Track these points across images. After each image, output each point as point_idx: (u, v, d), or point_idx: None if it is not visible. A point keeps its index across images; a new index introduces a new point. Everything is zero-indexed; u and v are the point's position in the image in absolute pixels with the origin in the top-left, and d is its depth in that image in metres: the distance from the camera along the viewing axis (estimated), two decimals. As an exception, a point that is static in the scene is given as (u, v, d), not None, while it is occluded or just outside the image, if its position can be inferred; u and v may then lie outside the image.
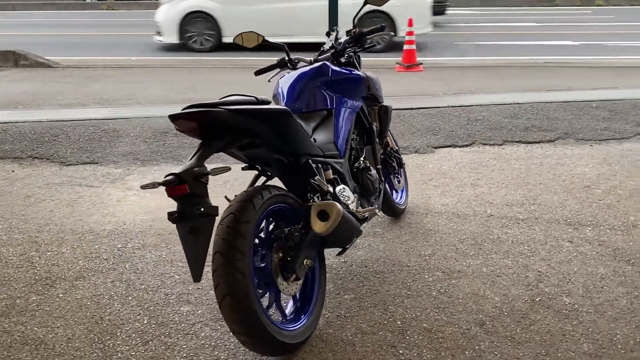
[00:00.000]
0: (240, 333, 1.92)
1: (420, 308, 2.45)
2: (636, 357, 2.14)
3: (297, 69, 2.84)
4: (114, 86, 7.04)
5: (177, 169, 1.80)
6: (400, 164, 3.33)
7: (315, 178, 2.17)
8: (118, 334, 2.30)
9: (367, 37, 2.79)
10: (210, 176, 1.86)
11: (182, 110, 1.90)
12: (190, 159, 1.87)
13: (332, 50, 2.83)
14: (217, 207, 1.82)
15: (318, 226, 2.06)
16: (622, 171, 4.08)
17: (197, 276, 1.82)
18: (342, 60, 2.86)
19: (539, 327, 2.31)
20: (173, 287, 2.64)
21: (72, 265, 2.84)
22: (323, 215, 2.06)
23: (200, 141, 1.96)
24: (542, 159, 4.37)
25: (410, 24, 8.13)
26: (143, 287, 2.64)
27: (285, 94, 2.57)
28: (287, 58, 2.84)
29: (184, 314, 2.43)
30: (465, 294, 2.55)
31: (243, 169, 2.33)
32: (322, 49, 2.96)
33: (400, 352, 2.17)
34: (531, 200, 3.59)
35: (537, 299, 2.51)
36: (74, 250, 2.99)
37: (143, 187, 1.89)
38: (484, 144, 4.76)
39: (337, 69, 2.65)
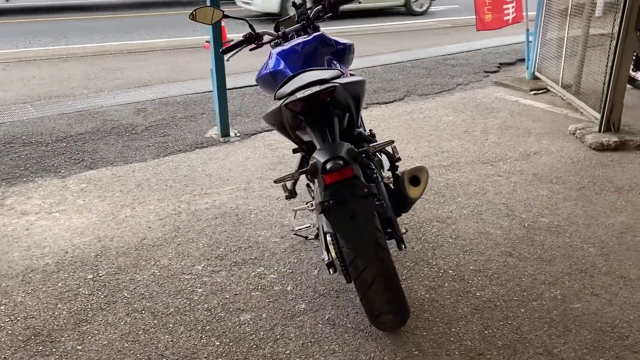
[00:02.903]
0: (389, 312, 1.84)
1: (453, 255, 2.63)
2: (630, 248, 2.67)
3: (262, 43, 2.70)
4: None
5: (328, 153, 1.63)
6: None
7: (392, 146, 2.14)
8: (202, 364, 1.96)
9: (341, 4, 2.75)
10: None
11: (292, 91, 1.72)
12: (324, 142, 1.69)
13: (303, 21, 2.72)
14: (375, 186, 1.70)
15: (412, 192, 2.06)
16: (476, 115, 4.79)
17: (370, 261, 1.68)
18: (309, 30, 2.78)
19: (550, 245, 2.70)
20: (206, 300, 2.31)
21: (54, 312, 2.26)
22: (414, 181, 2.06)
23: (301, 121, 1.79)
24: (410, 115, 4.85)
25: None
26: (172, 310, 2.26)
27: (291, 67, 2.41)
28: (253, 33, 2.65)
29: (250, 322, 2.18)
30: (473, 235, 2.80)
31: (295, 151, 2.15)
32: (281, 19, 2.83)
33: (478, 294, 2.33)
34: (438, 149, 4.01)
35: (526, 225, 2.90)
36: (32, 296, 2.36)
37: (277, 180, 1.68)
38: (352, 109, 5.05)
39: (333, 38, 2.58)
